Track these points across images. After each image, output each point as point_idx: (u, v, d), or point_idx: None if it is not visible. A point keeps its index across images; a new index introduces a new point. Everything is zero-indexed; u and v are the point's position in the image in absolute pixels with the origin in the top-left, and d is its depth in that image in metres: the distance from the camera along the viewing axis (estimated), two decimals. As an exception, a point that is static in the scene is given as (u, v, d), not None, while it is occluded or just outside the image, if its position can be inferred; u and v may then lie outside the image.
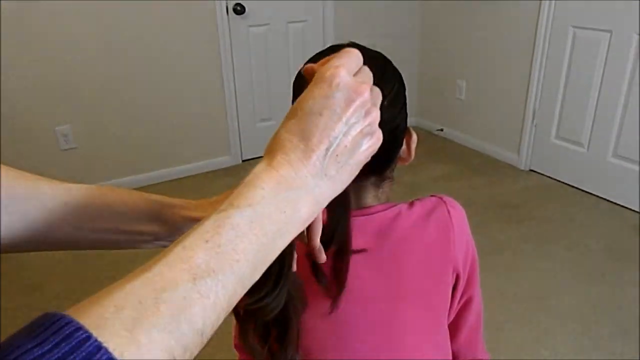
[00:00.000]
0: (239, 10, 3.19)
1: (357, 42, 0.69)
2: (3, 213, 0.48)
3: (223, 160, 3.51)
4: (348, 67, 0.42)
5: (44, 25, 2.76)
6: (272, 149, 0.40)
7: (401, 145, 0.69)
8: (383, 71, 0.64)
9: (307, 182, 0.39)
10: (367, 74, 0.44)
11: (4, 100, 2.77)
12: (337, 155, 0.40)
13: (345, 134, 0.40)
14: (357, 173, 0.42)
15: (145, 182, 3.26)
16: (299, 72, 0.67)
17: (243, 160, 3.58)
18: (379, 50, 0.68)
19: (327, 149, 0.39)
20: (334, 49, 0.67)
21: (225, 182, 3.30)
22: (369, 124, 0.41)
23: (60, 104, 2.93)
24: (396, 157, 0.69)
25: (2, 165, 0.50)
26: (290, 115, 0.41)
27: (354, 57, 0.43)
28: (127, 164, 3.22)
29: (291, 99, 0.66)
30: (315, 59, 0.67)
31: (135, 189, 3.46)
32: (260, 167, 0.39)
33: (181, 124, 3.30)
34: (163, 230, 0.56)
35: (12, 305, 2.21)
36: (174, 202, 0.58)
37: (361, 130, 0.41)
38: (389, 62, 0.67)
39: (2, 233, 0.49)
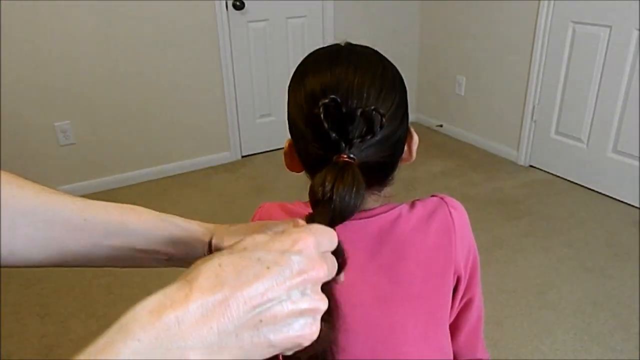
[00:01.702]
0: (239, 5, 3.19)
1: (356, 37, 0.68)
2: (28, 224, 0.50)
3: (223, 156, 3.51)
4: (319, 241, 0.37)
5: (43, 20, 2.75)
6: (192, 277, 0.33)
7: (402, 152, 0.66)
8: (382, 79, 0.60)
9: (207, 338, 0.31)
10: (332, 263, 0.39)
11: (4, 95, 2.77)
12: (260, 320, 0.33)
13: (280, 303, 0.33)
14: (267, 357, 0.34)
15: (145, 178, 3.26)
16: (295, 71, 0.65)
17: (242, 156, 3.58)
18: (378, 46, 0.66)
19: (254, 308, 0.32)
20: (335, 47, 0.66)
21: (224, 177, 3.30)
22: (313, 310, 0.35)
23: (59, 99, 2.92)
24: (398, 164, 0.67)
25: (25, 180, 0.51)
26: (235, 249, 0.35)
27: (328, 237, 0.39)
28: (126, 160, 3.21)
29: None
30: (315, 55, 0.66)
31: (134, 184, 3.44)
32: (157, 297, 0.31)
33: (181, 120, 3.30)
34: (178, 252, 0.56)
35: (11, 299, 2.22)
36: (191, 226, 0.58)
37: (300, 310, 0.34)
38: (387, 64, 0.64)
39: (22, 246, 0.50)
